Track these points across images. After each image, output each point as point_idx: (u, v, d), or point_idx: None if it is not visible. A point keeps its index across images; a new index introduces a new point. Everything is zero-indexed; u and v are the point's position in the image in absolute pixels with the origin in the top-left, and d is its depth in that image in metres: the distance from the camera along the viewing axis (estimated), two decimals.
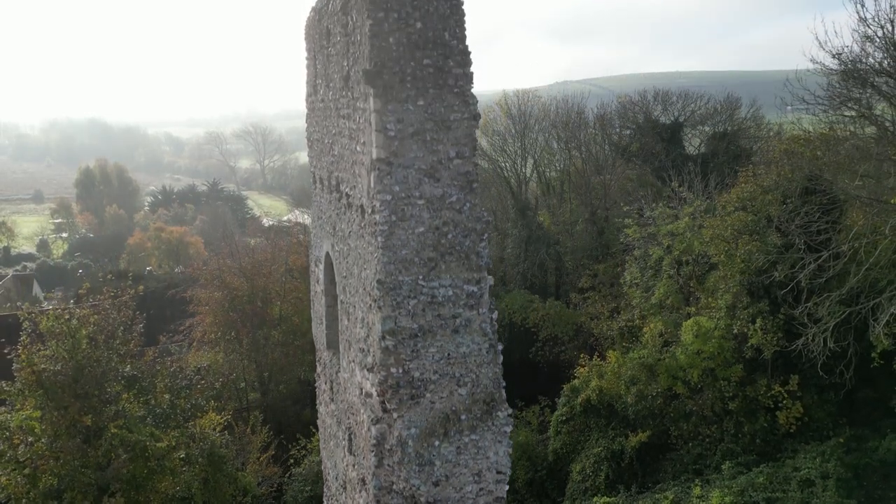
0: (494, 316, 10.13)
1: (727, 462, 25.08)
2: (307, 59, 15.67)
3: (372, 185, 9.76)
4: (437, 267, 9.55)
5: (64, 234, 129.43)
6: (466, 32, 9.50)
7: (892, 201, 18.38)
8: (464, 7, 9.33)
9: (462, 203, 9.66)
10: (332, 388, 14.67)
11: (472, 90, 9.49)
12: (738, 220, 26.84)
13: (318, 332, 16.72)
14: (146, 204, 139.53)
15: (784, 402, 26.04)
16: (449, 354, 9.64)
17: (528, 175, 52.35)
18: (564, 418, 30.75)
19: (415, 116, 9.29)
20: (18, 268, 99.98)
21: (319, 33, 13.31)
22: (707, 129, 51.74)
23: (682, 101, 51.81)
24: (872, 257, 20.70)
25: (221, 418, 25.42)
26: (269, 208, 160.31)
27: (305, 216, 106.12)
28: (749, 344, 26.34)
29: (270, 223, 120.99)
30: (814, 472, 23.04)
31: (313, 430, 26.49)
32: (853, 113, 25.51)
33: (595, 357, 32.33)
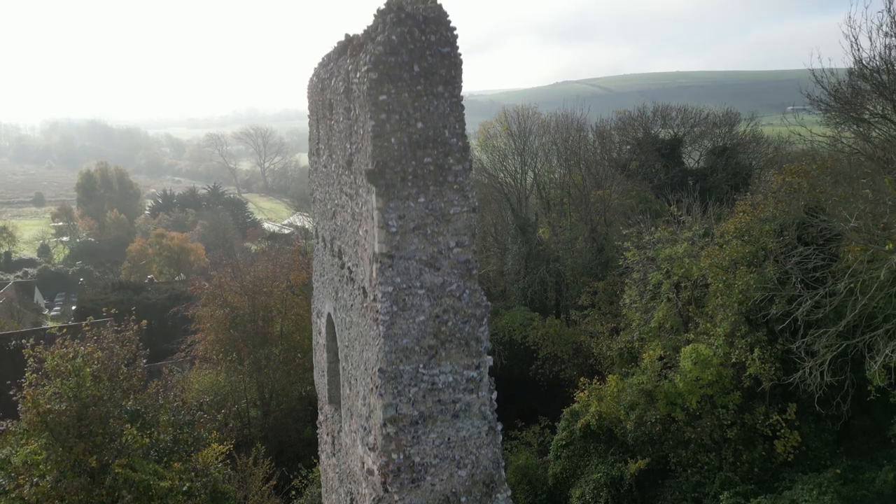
0: (494, 396, 10.35)
1: (725, 493, 25.30)
2: (309, 116, 15.85)
3: (374, 275, 9.99)
4: (437, 354, 9.78)
5: (65, 239, 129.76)
6: (466, 127, 9.72)
7: (886, 247, 18.57)
8: (462, 103, 9.55)
9: (462, 290, 9.88)
10: (333, 443, 14.90)
11: (471, 184, 9.71)
12: (736, 251, 27.06)
13: (320, 384, 16.93)
14: (147, 208, 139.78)
15: (782, 431, 26.30)
16: (449, 439, 9.87)
17: (528, 189, 52.54)
18: (564, 443, 30.97)
19: (416, 213, 9.52)
20: (20, 273, 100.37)
21: (322, 102, 13.51)
22: (707, 143, 51.99)
23: (681, 115, 52.00)
24: (868, 294, 20.90)
25: (224, 448, 25.64)
26: (270, 212, 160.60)
27: (307, 222, 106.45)
28: (747, 373, 26.60)
29: (272, 228, 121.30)
30: None
31: (314, 460, 26.71)
32: (850, 137, 25.80)
33: (595, 379, 32.54)
